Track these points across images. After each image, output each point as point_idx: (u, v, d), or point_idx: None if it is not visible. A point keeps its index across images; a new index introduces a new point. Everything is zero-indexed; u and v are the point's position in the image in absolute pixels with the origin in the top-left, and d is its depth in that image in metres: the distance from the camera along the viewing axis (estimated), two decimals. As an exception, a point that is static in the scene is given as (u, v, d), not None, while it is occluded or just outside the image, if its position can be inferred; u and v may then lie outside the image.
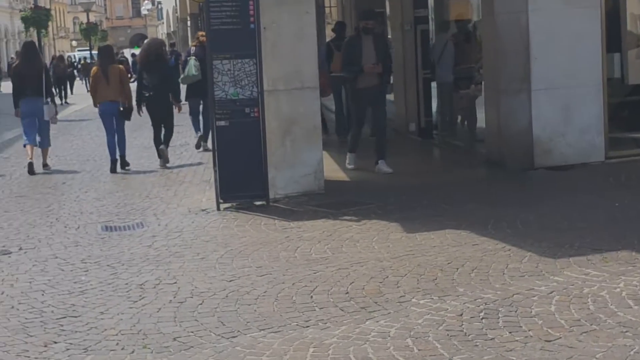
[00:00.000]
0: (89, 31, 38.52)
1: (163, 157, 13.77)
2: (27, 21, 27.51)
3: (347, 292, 6.45)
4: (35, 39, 27.77)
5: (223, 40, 9.58)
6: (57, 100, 29.82)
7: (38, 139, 14.08)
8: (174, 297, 6.61)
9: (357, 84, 11.56)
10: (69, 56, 50.65)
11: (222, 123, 9.67)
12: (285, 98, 9.99)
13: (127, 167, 13.59)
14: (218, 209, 9.71)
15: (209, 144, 12.99)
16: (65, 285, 7.07)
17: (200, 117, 15.46)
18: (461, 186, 10.34)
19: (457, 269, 6.88)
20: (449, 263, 7.05)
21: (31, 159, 13.72)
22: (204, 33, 15.66)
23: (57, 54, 48.62)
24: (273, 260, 7.53)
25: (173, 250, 8.10)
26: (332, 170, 11.62)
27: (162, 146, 13.80)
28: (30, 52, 14.31)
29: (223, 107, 9.65)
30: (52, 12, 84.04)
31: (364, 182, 11.08)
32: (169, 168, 13.63)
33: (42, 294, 6.86)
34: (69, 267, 7.67)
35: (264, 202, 9.77)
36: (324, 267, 7.21)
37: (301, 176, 10.07)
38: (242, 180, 9.68)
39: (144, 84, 13.64)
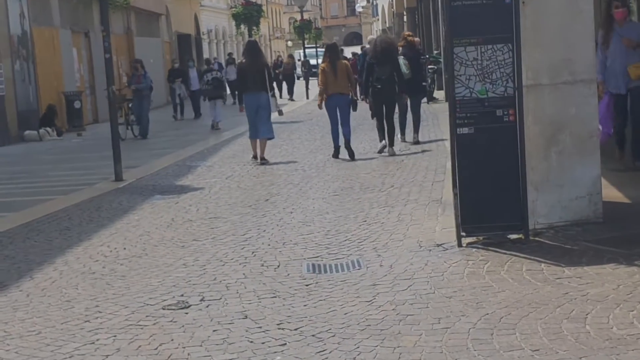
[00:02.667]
0: (302, 29, 37.08)
1: (390, 154, 14.18)
2: (237, 18, 26.14)
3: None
4: (247, 37, 26.37)
5: (467, 19, 7.15)
6: (286, 96, 28.88)
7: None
8: (411, 405, 4.27)
9: None
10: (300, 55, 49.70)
11: (465, 130, 7.24)
12: (551, 95, 7.43)
13: (353, 157, 13.91)
14: (459, 244, 7.27)
15: (420, 136, 15.63)
16: (251, 371, 4.89)
17: (409, 113, 16.00)
18: None
19: None
20: None
21: (255, 151, 14.50)
22: (410, 33, 18.34)
23: (288, 54, 47.59)
24: (554, 336, 5.04)
25: (402, 311, 5.75)
26: (605, 187, 8.86)
27: (391, 149, 14.23)
28: (253, 49, 14.92)
29: (467, 109, 7.22)
30: (267, 12, 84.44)
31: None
32: (390, 181, 11.41)
33: (219, 386, 4.71)
34: (260, 335, 5.48)
35: (521, 236, 7.24)
36: (638, 354, 4.66)
37: (571, 199, 7.49)
38: (490, 206, 7.22)
39: (375, 77, 14.15)
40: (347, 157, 13.93)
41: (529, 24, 7.30)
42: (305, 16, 43.75)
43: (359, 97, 14.97)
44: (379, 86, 14.13)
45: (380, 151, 14.31)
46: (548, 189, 7.47)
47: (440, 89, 26.37)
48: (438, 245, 7.40)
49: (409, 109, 15.95)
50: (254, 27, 26.41)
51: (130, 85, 22.73)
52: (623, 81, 9.83)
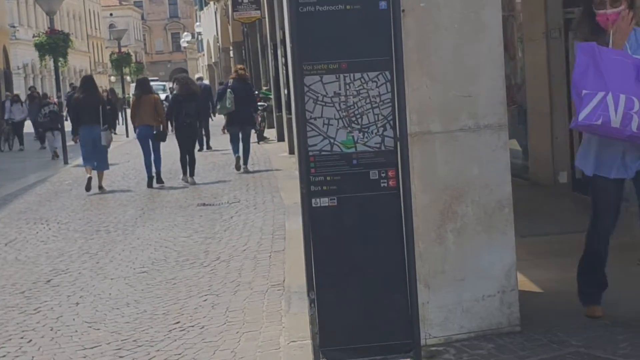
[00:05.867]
0: (120, 61, 33.86)
1: (190, 183, 15.15)
2: (41, 48, 22.91)
3: None
4: (52, 69, 23.19)
5: (324, 35, 4.73)
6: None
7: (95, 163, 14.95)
8: None
9: None
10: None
11: (324, 201, 4.76)
12: (444, 148, 5.08)
13: (162, 184, 15.11)
14: (319, 376, 4.77)
15: (249, 166, 16.40)
16: None
17: (240, 143, 16.40)
18: None
19: None
20: None
21: (90, 174, 14.84)
22: (242, 66, 19.02)
23: (109, 88, 43.26)
24: None
25: None
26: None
27: (191, 179, 15.24)
28: (88, 84, 15.43)
29: (325, 170, 4.74)
30: (88, 47, 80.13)
31: (572, 297, 5.93)
32: (215, 249, 8.88)
33: None
34: None
35: (411, 359, 4.81)
36: None
37: (476, 300, 5.14)
38: (363, 317, 4.76)
39: (184, 113, 15.18)
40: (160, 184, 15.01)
41: (412, 43, 4.96)
42: (128, 50, 40.73)
43: (168, 129, 15.63)
44: (188, 121, 15.23)
45: (183, 180, 15.26)
46: (443, 286, 5.11)
47: (271, 127, 24.15)
48: (284, 375, 4.88)
49: (240, 139, 16.43)
50: (61, 59, 23.16)
51: None
52: (622, 156, 5.04)
